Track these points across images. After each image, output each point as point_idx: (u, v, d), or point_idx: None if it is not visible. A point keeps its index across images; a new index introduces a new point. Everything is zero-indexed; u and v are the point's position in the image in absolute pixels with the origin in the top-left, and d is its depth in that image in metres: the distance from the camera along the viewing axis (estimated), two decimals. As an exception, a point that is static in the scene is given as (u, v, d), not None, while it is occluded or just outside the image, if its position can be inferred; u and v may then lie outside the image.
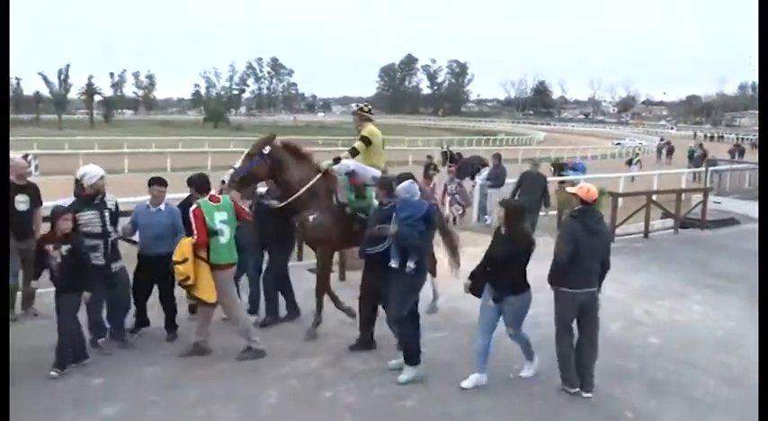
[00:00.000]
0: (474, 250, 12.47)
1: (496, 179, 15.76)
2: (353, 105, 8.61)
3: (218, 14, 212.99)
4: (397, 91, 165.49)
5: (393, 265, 6.29)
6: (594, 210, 6.31)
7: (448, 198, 16.13)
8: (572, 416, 5.86)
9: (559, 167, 19.96)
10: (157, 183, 7.28)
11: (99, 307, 6.80)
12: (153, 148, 35.81)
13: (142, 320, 7.46)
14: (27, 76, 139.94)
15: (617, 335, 7.92)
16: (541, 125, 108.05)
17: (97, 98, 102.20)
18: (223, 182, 7.04)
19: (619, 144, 61.19)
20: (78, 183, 6.87)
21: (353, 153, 7.82)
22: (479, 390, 6.22)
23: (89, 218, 6.64)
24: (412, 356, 6.38)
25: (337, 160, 7.67)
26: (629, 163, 29.39)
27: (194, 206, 6.61)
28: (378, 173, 7.60)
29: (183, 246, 6.51)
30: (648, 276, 10.96)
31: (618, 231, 14.13)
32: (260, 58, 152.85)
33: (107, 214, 6.81)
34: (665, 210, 15.50)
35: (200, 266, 6.51)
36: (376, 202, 6.93)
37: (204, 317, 6.86)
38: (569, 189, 6.69)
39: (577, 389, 6.16)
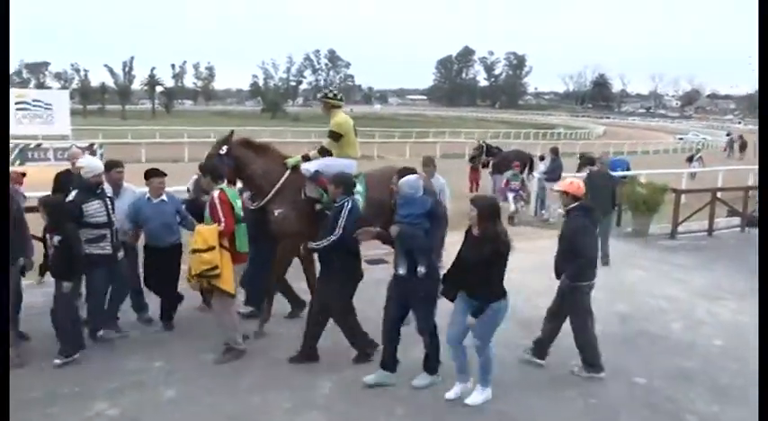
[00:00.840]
0: (532, 245, 12.37)
1: (553, 173, 15.56)
2: (319, 93, 8.05)
3: (276, 6, 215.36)
4: (454, 83, 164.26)
5: (401, 272, 5.79)
6: (589, 204, 6.45)
7: (512, 194, 15.72)
8: (631, 416, 5.71)
9: (588, 162, 18.93)
10: (157, 175, 7.22)
11: (101, 296, 6.79)
12: (212, 138, 36.30)
13: (173, 304, 7.48)
14: (94, 68, 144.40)
15: (679, 336, 7.71)
16: (600, 119, 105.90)
17: (159, 89, 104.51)
18: (188, 190, 6.81)
19: (681, 139, 59.44)
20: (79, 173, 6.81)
21: (323, 152, 7.38)
22: (536, 388, 6.13)
23: (95, 207, 6.51)
24: (433, 365, 6.09)
25: (306, 158, 7.31)
26: (690, 159, 28.41)
27: (217, 191, 6.35)
28: (350, 163, 7.29)
29: (205, 233, 6.15)
30: (712, 275, 10.62)
31: (680, 229, 13.77)
32: (317, 50, 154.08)
33: (109, 203, 6.69)
34: (732, 207, 14.98)
35: (224, 255, 6.22)
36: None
37: (227, 311, 6.47)
38: (555, 187, 6.64)
39: (603, 374, 6.32)
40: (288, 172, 7.21)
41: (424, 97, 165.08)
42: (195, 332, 7.20)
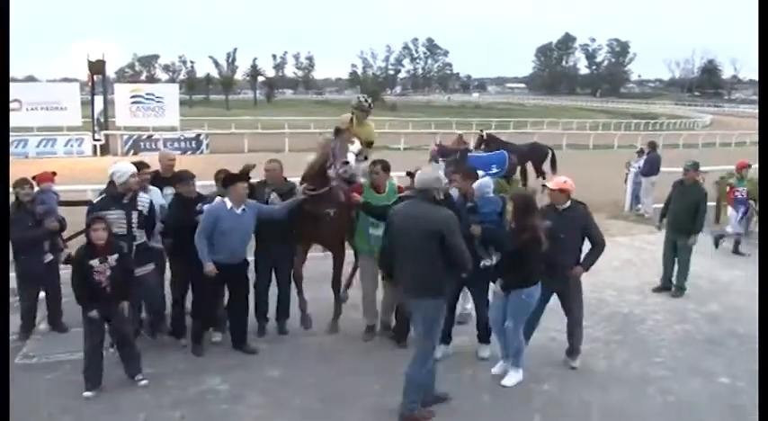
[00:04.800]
0: (625, 240, 12.30)
1: (650, 167, 15.31)
2: (354, 99, 8.50)
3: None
4: (554, 71, 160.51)
5: (487, 264, 6.29)
6: None
7: (740, 209, 11.64)
8: (711, 415, 5.83)
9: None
10: (242, 179, 6.38)
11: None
12: (312, 129, 37.15)
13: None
14: (200, 59, 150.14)
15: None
16: (708, 107, 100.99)
17: (260, 79, 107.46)
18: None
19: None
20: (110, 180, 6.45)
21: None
22: (616, 381, 6.33)
23: (115, 217, 6.12)
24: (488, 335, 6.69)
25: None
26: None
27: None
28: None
29: None
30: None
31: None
32: (416, 39, 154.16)
33: (135, 215, 6.34)
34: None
35: None
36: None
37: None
38: (550, 185, 6.49)
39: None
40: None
41: (523, 85, 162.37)
42: (296, 317, 7.62)
